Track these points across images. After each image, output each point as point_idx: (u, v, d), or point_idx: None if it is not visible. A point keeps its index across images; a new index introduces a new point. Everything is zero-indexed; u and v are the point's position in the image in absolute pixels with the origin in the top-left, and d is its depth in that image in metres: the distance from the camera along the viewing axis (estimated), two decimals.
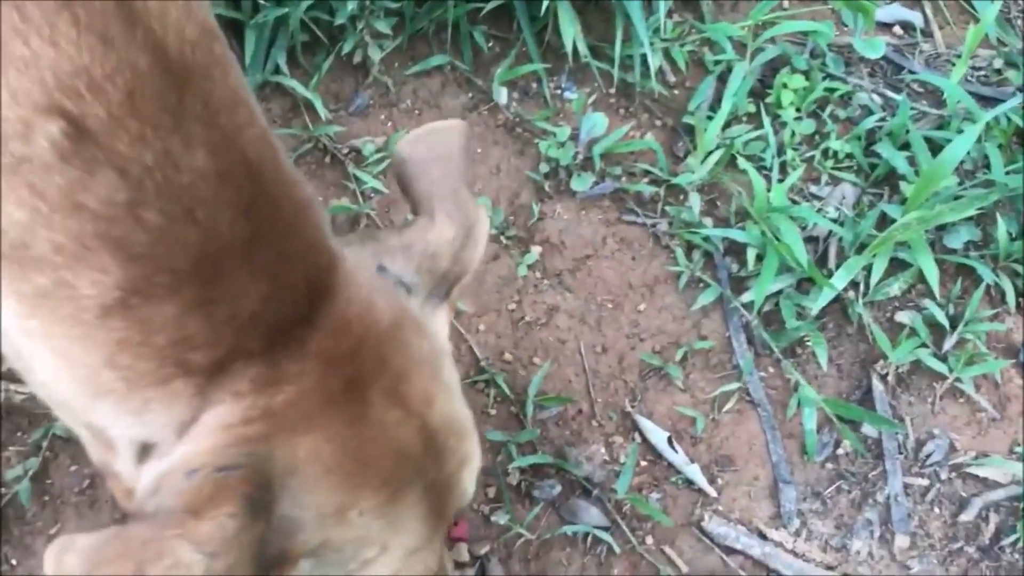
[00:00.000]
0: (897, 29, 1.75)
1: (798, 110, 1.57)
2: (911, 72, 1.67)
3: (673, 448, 1.34)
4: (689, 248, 1.48)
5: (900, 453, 1.37)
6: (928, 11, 1.76)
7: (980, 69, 1.70)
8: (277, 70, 1.50)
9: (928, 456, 1.37)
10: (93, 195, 0.62)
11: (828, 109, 1.58)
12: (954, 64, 1.61)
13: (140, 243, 0.64)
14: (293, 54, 1.51)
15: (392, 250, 0.81)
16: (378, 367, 0.72)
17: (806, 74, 1.60)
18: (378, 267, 0.79)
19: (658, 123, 1.59)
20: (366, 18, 1.50)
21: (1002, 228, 1.45)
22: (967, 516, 1.33)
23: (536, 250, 1.48)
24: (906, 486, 1.35)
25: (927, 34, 1.75)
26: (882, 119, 1.57)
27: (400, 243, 0.81)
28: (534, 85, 1.59)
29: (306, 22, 1.48)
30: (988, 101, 1.62)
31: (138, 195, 0.63)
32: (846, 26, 1.67)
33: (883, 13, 1.74)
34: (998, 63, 1.69)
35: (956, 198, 1.45)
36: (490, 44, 1.59)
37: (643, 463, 1.34)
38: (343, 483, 0.70)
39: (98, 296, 0.65)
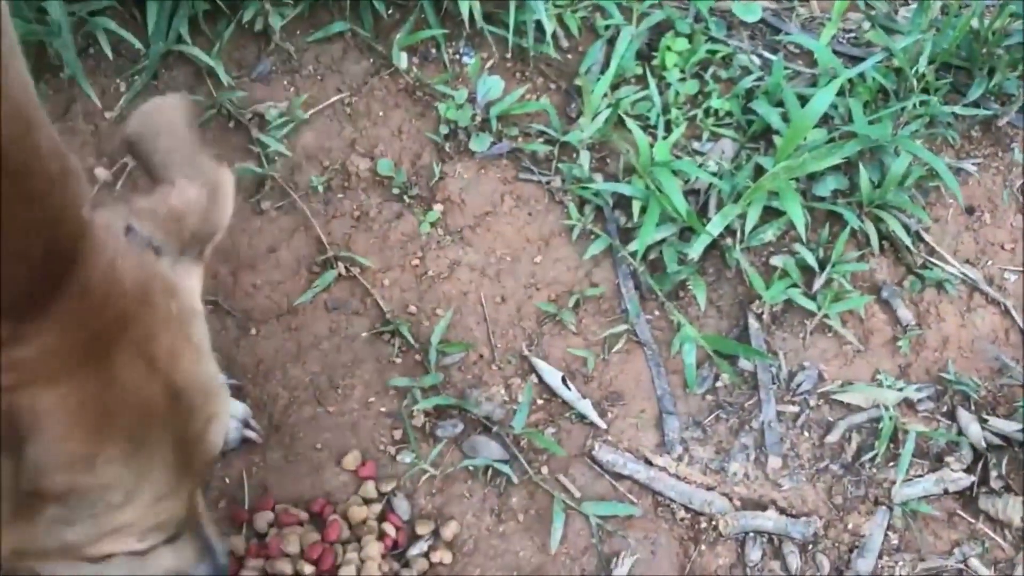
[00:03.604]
0: None
1: (682, 71, 1.68)
2: (787, 34, 1.79)
3: (567, 386, 1.44)
4: (581, 203, 1.58)
5: (773, 384, 1.50)
6: None
7: (850, 31, 1.83)
8: (180, 39, 1.54)
9: (799, 386, 1.50)
10: None
11: (710, 70, 1.69)
12: (825, 26, 1.74)
13: None
14: (195, 23, 1.56)
15: (141, 212, 0.85)
16: (122, 325, 0.77)
17: (689, 37, 1.70)
18: (127, 228, 0.83)
19: (552, 86, 1.68)
20: None
21: (865, 177, 1.58)
22: (832, 438, 1.47)
23: (438, 208, 1.56)
24: (779, 413, 1.48)
25: None
26: (760, 79, 1.69)
27: (148, 206, 0.86)
28: (433, 50, 1.66)
29: None
30: (856, 60, 1.75)
31: None
32: None
33: None
34: (866, 25, 1.82)
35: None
36: (390, 11, 1.66)
37: (539, 401, 1.45)
38: (87, 433, 0.76)
39: None
